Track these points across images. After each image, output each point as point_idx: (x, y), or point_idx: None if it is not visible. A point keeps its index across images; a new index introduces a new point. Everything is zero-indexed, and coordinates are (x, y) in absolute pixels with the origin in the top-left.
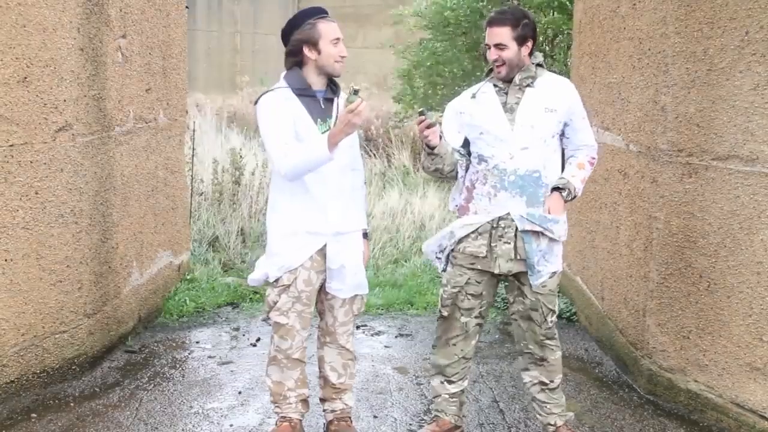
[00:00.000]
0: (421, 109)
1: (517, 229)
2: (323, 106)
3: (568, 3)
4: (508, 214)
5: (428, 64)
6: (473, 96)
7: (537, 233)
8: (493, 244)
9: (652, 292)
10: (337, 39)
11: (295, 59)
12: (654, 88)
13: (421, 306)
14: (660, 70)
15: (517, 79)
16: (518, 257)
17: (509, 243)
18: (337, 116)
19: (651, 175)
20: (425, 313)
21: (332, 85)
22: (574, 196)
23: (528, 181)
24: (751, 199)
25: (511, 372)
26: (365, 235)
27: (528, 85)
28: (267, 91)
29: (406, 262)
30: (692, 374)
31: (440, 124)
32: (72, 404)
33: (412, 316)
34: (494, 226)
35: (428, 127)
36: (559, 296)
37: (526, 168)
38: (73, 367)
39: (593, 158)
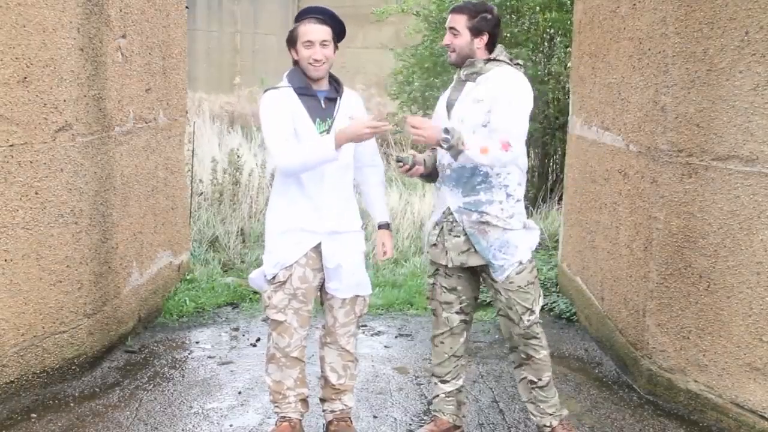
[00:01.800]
0: (397, 157)
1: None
2: (324, 106)
3: (567, 1)
4: (449, 207)
5: (426, 65)
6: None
7: (480, 228)
8: (444, 237)
9: (652, 292)
10: (309, 42)
11: (293, 59)
12: (654, 88)
13: (421, 306)
14: (660, 70)
15: (462, 74)
16: (472, 249)
17: (459, 236)
18: (335, 116)
19: (651, 175)
20: (425, 313)
21: (336, 85)
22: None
23: (462, 173)
24: (751, 199)
25: (511, 372)
26: (386, 226)
27: (470, 80)
28: (270, 88)
29: (405, 262)
30: (692, 374)
31: (415, 158)
32: (72, 404)
33: (412, 316)
34: (445, 219)
35: (410, 169)
36: (558, 295)
37: (460, 161)
38: (73, 367)
39: (507, 143)
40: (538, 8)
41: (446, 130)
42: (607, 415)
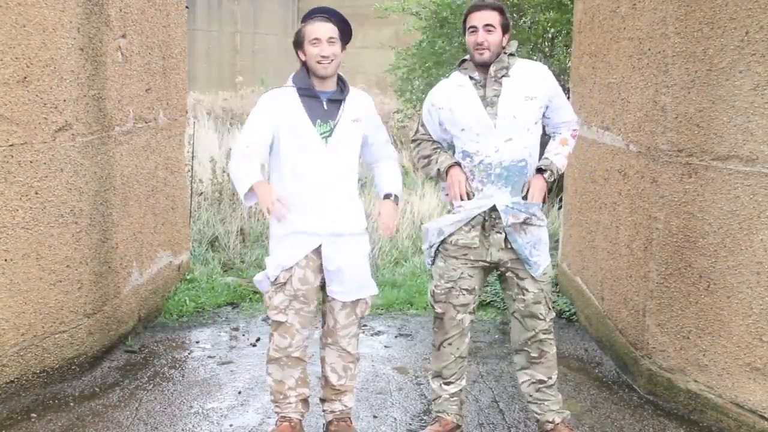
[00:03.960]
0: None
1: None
2: (326, 107)
3: (569, 2)
4: (495, 205)
5: (426, 65)
6: (448, 79)
7: (520, 227)
8: (486, 234)
9: (651, 292)
10: (316, 39)
11: (301, 61)
12: (654, 88)
13: (421, 306)
14: (660, 70)
15: (492, 71)
16: (508, 246)
17: (501, 233)
18: (339, 118)
19: (651, 175)
20: (425, 313)
21: (342, 86)
22: (558, 177)
23: (513, 171)
24: (751, 199)
25: (511, 372)
26: (389, 197)
27: (504, 76)
28: (274, 87)
29: (405, 262)
30: (692, 374)
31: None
32: (72, 404)
33: (412, 316)
34: (486, 218)
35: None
36: (558, 295)
37: (511, 158)
38: (73, 367)
39: (575, 131)
40: (540, 7)
41: (541, 170)
42: (607, 415)
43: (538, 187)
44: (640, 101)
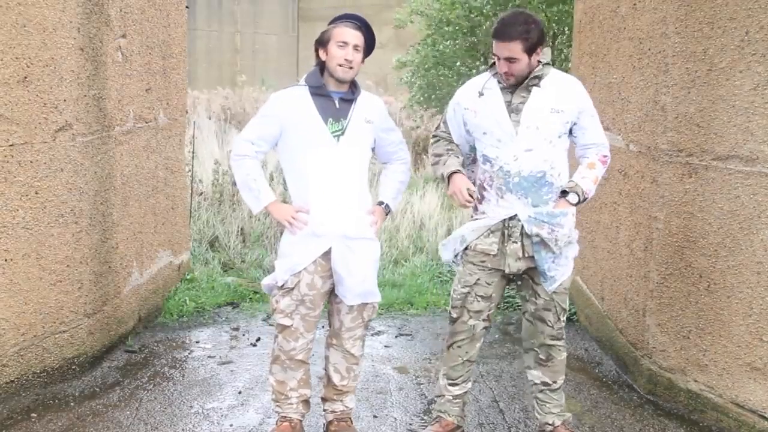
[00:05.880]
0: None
1: (522, 228)
2: (338, 106)
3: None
4: (516, 215)
5: (426, 66)
6: (480, 94)
7: (547, 239)
8: (504, 243)
9: (652, 292)
10: (344, 42)
11: (318, 60)
12: (654, 88)
13: (421, 306)
14: (660, 70)
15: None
16: (526, 255)
17: (516, 242)
18: (350, 117)
19: (651, 175)
20: (425, 313)
21: (353, 87)
22: (585, 198)
23: (531, 182)
24: (751, 199)
25: (511, 372)
26: (381, 204)
27: (534, 85)
28: (290, 86)
29: (405, 261)
30: (692, 374)
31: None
32: (72, 404)
33: (412, 316)
34: (505, 225)
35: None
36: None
37: (530, 169)
38: (73, 367)
39: (605, 156)
40: (540, 7)
41: (565, 192)
42: (607, 414)
43: (563, 208)
44: (640, 101)
